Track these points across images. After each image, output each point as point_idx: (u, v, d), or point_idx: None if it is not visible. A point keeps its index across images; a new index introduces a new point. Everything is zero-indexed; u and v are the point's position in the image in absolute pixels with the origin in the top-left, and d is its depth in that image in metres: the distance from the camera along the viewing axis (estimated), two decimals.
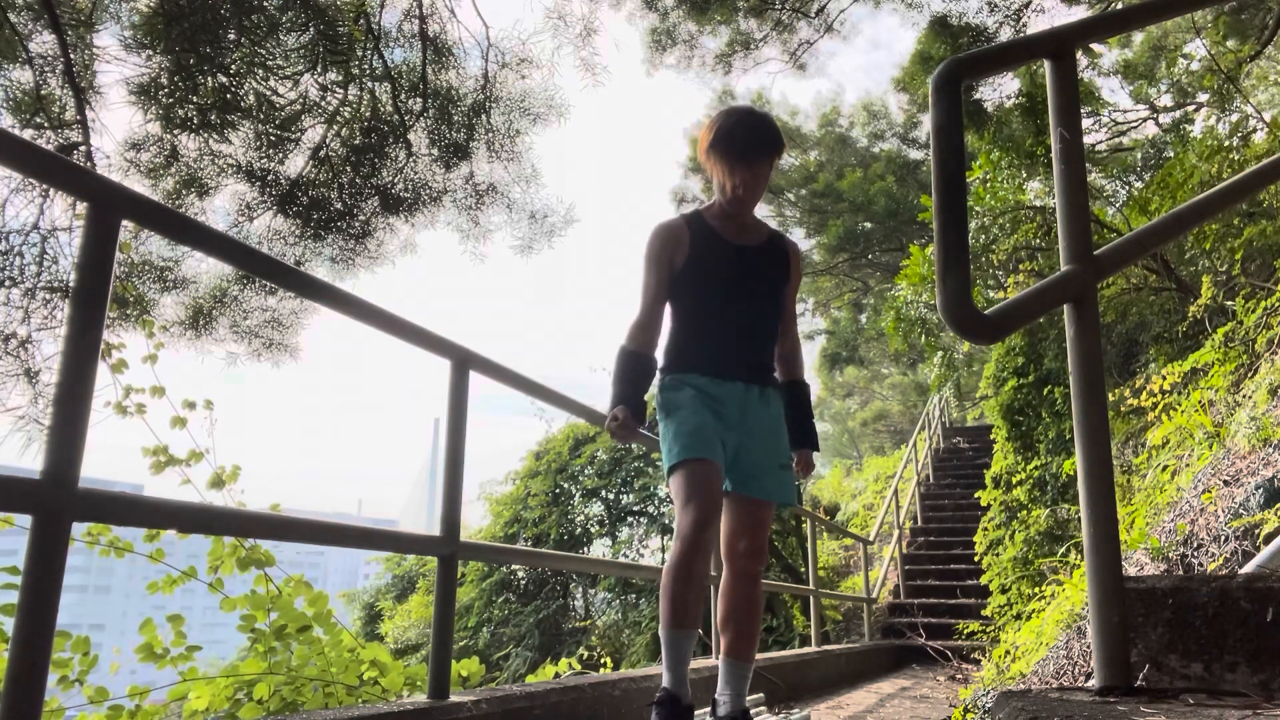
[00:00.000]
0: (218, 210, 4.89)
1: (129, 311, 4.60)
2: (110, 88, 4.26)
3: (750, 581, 2.14)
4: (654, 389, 2.28)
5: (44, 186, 3.84)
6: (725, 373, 2.17)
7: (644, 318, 2.24)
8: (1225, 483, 2.40)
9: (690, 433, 2.08)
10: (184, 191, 4.60)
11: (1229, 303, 4.67)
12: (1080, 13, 7.56)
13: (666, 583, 2.03)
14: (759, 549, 2.15)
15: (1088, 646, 2.05)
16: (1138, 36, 12.94)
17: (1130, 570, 2.35)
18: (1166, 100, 12.68)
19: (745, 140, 2.12)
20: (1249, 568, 1.67)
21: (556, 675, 4.15)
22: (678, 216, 2.30)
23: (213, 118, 4.18)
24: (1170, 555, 2.25)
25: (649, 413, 2.39)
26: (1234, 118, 7.54)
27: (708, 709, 2.24)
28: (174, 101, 4.16)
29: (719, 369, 2.17)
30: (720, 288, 2.20)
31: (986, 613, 6.99)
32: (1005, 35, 6.59)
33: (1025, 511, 7.15)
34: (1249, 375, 3.58)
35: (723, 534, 2.20)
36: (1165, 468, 3.48)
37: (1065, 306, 1.52)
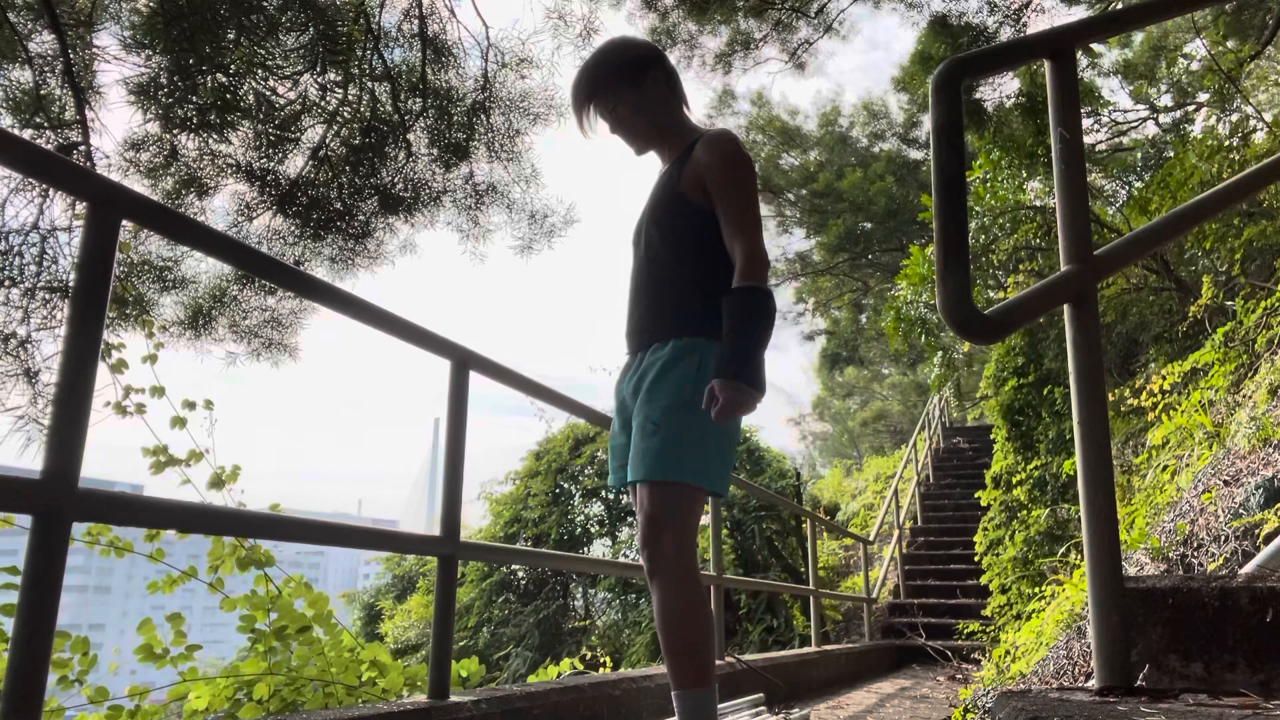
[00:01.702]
0: (218, 210, 4.89)
1: (129, 311, 4.60)
2: (110, 88, 4.26)
3: (651, 579, 1.72)
4: None
5: (44, 186, 3.84)
6: (628, 351, 2.00)
7: None
8: (1225, 483, 2.40)
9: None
10: (184, 191, 4.60)
11: (1229, 303, 4.67)
12: (1080, 13, 7.56)
13: None
14: (644, 538, 1.72)
15: (1088, 646, 2.04)
16: (1138, 36, 12.94)
17: (1130, 570, 2.35)
18: (1166, 100, 12.69)
19: (571, 98, 2.09)
20: (1249, 568, 1.66)
21: (558, 675, 4.14)
22: None
23: (212, 118, 4.17)
24: (1170, 555, 2.25)
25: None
26: (1234, 118, 7.54)
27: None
28: (174, 101, 4.16)
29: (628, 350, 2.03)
30: None
31: (986, 613, 6.99)
32: (1005, 35, 6.58)
33: (1025, 511, 7.14)
34: (1249, 375, 3.58)
35: None
36: (1165, 468, 3.48)
37: (1065, 306, 1.52)
